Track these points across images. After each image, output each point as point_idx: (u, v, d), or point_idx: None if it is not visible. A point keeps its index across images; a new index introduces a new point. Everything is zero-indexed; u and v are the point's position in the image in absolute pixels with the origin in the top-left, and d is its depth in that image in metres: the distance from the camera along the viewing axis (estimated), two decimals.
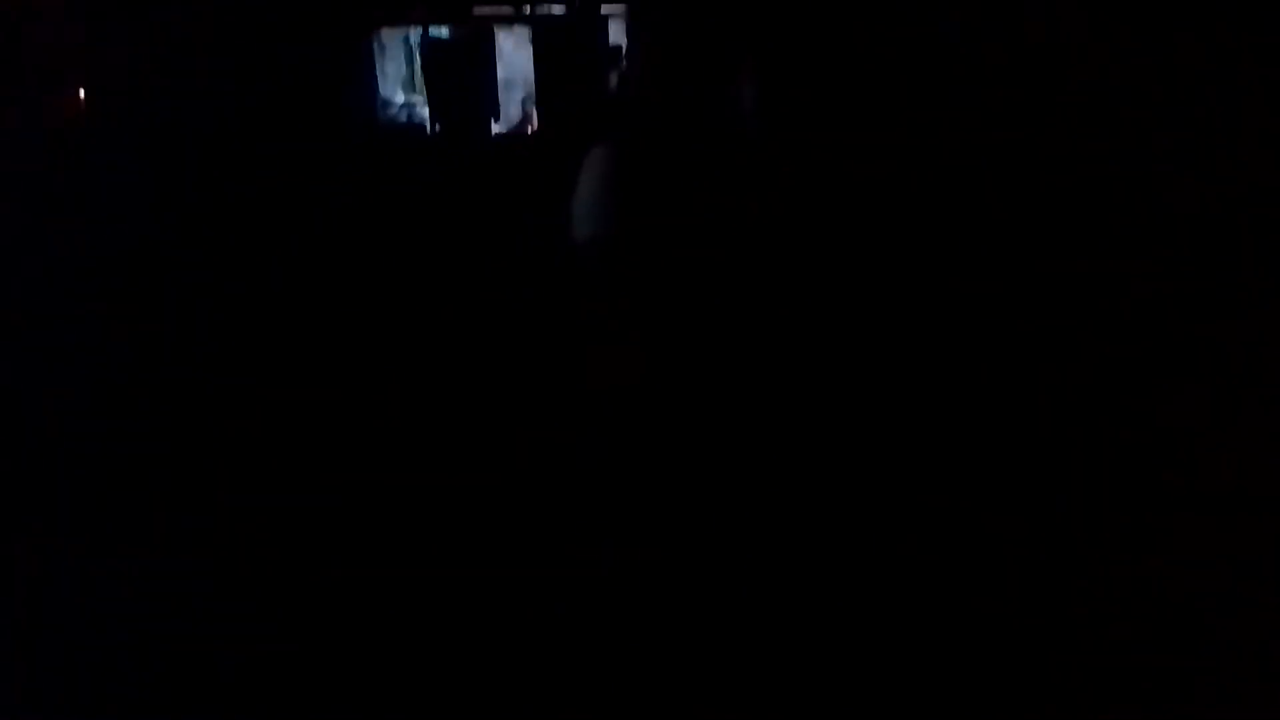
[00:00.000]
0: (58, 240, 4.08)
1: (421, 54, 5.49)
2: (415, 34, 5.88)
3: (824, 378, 2.98)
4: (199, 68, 4.60)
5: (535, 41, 5.50)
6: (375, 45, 5.66)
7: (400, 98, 5.91)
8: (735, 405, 2.95)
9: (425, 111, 5.70)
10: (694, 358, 3.04)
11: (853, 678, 2.26)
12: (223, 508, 3.08)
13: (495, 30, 5.88)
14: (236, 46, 4.76)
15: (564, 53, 5.47)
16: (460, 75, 5.71)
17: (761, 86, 3.49)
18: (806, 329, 3.02)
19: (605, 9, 5.97)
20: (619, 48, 5.55)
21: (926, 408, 2.90)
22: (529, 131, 5.67)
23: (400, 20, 5.79)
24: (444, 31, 5.77)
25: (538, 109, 5.69)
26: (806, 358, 3.00)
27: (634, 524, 2.80)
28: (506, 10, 5.74)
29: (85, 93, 4.64)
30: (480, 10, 5.87)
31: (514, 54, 5.95)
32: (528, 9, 5.93)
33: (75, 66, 4.60)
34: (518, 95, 5.79)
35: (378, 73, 5.67)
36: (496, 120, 5.89)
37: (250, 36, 4.83)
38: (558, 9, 5.76)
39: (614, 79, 5.54)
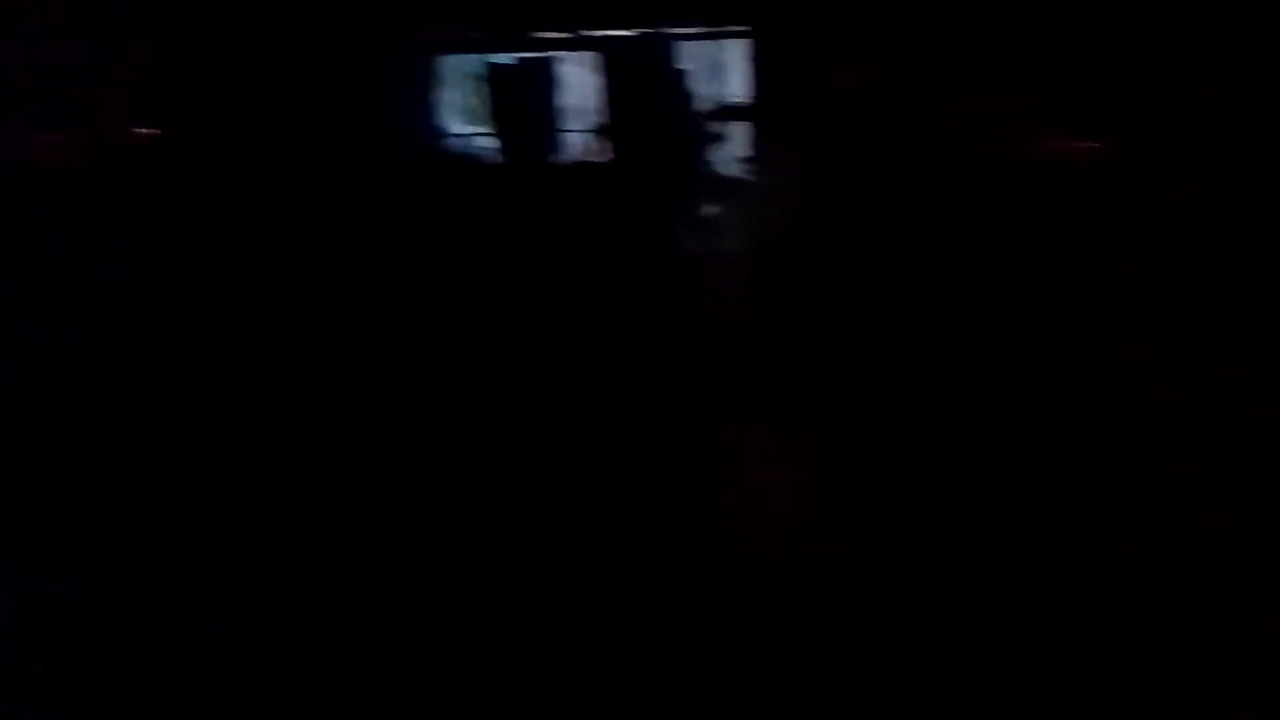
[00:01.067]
0: (138, 267, 4.00)
1: (482, 82, 5.27)
2: (475, 61, 5.67)
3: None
4: (259, 96, 4.43)
5: (601, 67, 5.25)
6: (435, 73, 5.46)
7: (459, 126, 5.70)
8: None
9: (485, 140, 5.48)
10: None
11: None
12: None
13: (559, 57, 5.66)
14: (294, 71, 4.58)
15: (632, 78, 5.22)
16: (522, 102, 5.49)
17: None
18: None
19: (673, 32, 5.74)
20: (685, 72, 5.30)
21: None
22: (595, 160, 5.42)
23: (460, 48, 5.59)
24: (505, 59, 5.56)
25: (604, 136, 5.45)
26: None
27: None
28: (570, 36, 5.51)
29: (158, 120, 4.53)
30: (542, 35, 5.66)
31: (578, 80, 5.72)
32: (593, 34, 5.70)
33: (144, 94, 4.48)
34: (582, 122, 5.56)
35: (437, 101, 5.46)
36: (560, 149, 5.66)
37: (308, 62, 4.65)
38: (624, 33, 5.52)
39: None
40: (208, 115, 4.45)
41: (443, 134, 5.30)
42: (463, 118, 5.42)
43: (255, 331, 4.02)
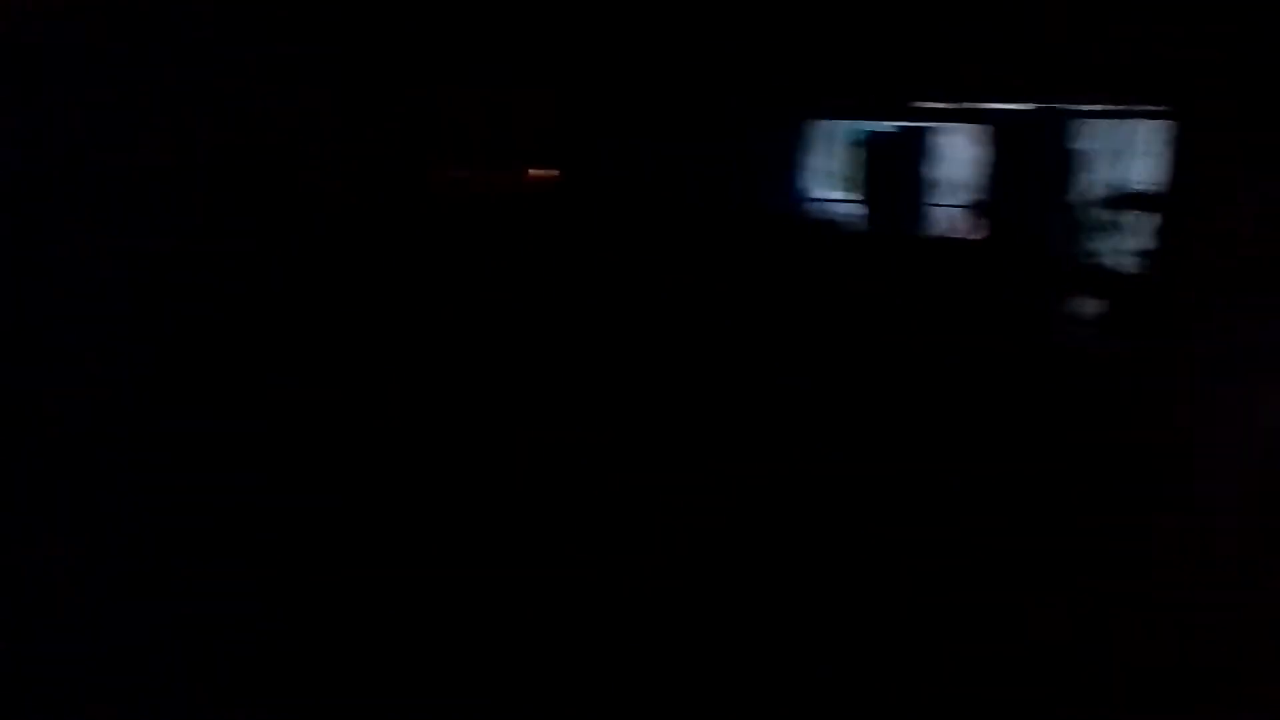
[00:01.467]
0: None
1: (856, 149, 5.16)
2: (845, 129, 5.59)
3: None
4: (648, 152, 4.65)
5: (988, 141, 4.95)
6: (810, 138, 5.44)
7: (825, 193, 5.64)
8: None
9: (851, 209, 5.35)
10: None
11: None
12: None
13: (942, 128, 5.42)
14: (682, 128, 4.76)
15: (1021, 155, 4.86)
16: (898, 172, 5.31)
17: None
18: None
19: (1073, 108, 5.30)
20: (1082, 153, 4.84)
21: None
22: (970, 238, 5.11)
23: (834, 114, 5.53)
24: (881, 127, 5.42)
25: (982, 214, 5.13)
26: None
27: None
28: (956, 106, 5.26)
29: (559, 163, 4.96)
30: (923, 105, 5.45)
31: (960, 153, 5.44)
32: (983, 106, 5.40)
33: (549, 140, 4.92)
34: (959, 198, 5.27)
35: (803, 168, 5.44)
36: (931, 222, 5.41)
37: (692, 119, 4.80)
38: (1018, 107, 5.17)
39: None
40: (603, 162, 4.73)
41: (812, 199, 5.26)
42: (833, 184, 5.35)
43: (616, 363, 4.15)
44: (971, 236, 4.89)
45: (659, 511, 3.14)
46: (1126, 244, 4.64)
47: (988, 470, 3.58)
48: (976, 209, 4.91)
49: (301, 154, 5.13)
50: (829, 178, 5.40)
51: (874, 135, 5.19)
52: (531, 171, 5.21)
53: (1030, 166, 4.67)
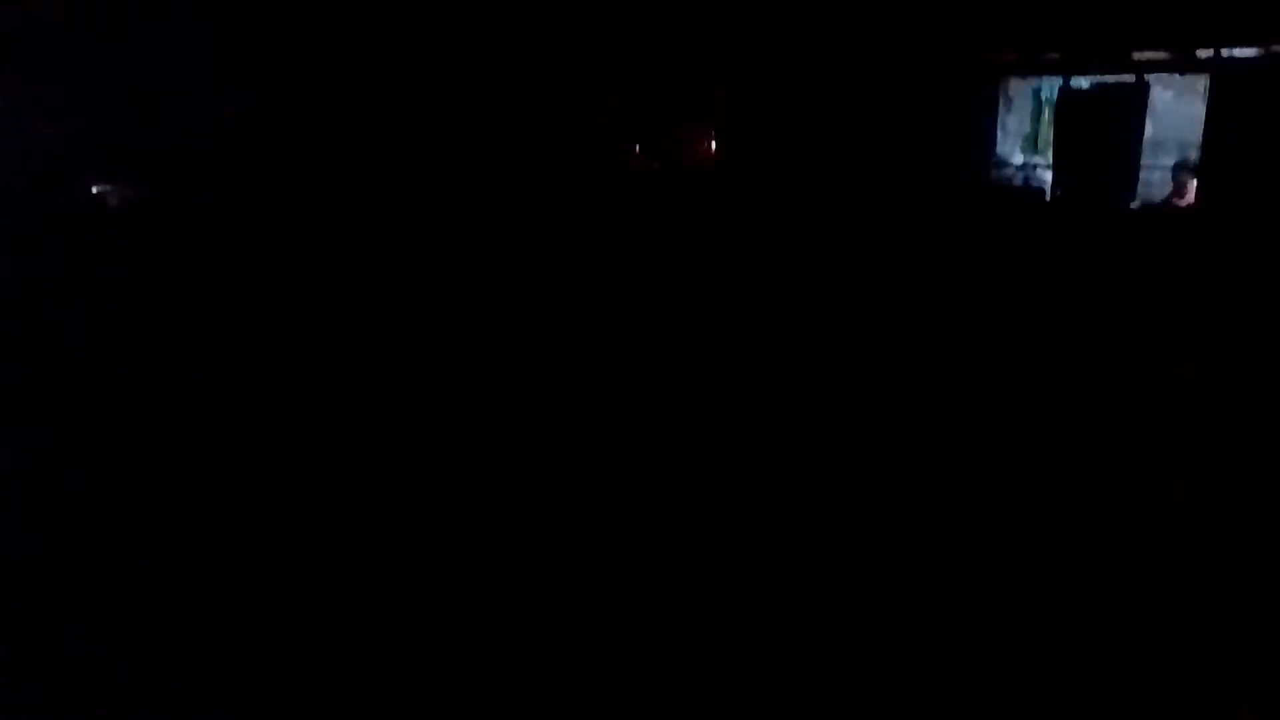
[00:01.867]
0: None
1: (1055, 108, 4.69)
2: (1046, 86, 5.09)
3: None
4: (826, 118, 4.45)
5: (1210, 95, 4.36)
6: (998, 98, 4.98)
7: (1019, 158, 5.17)
8: None
9: (1047, 175, 4.89)
10: None
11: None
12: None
13: (1152, 81, 4.85)
14: (862, 97, 4.47)
15: (1249, 108, 4.26)
16: (1095, 132, 4.80)
17: None
18: None
19: None
20: None
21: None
22: (1180, 206, 4.56)
23: (1036, 69, 5.02)
24: (1081, 82, 4.90)
25: (1195, 177, 4.57)
26: None
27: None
28: (1175, 56, 4.65)
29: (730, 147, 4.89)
30: (1141, 56, 4.85)
31: (1172, 109, 4.85)
32: (1199, 54, 4.77)
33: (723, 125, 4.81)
34: (1169, 160, 4.72)
35: (997, 129, 4.99)
36: (1134, 189, 4.86)
37: (877, 86, 4.49)
38: (1245, 53, 4.52)
39: None
40: (774, 137, 4.54)
41: (998, 163, 4.84)
42: (1021, 146, 4.90)
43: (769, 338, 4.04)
44: (1182, 203, 4.39)
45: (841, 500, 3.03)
46: None
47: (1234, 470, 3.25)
48: (1188, 171, 4.39)
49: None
50: (1019, 140, 4.97)
51: (1068, 92, 4.73)
52: (710, 144, 5.10)
53: (1262, 121, 4.10)
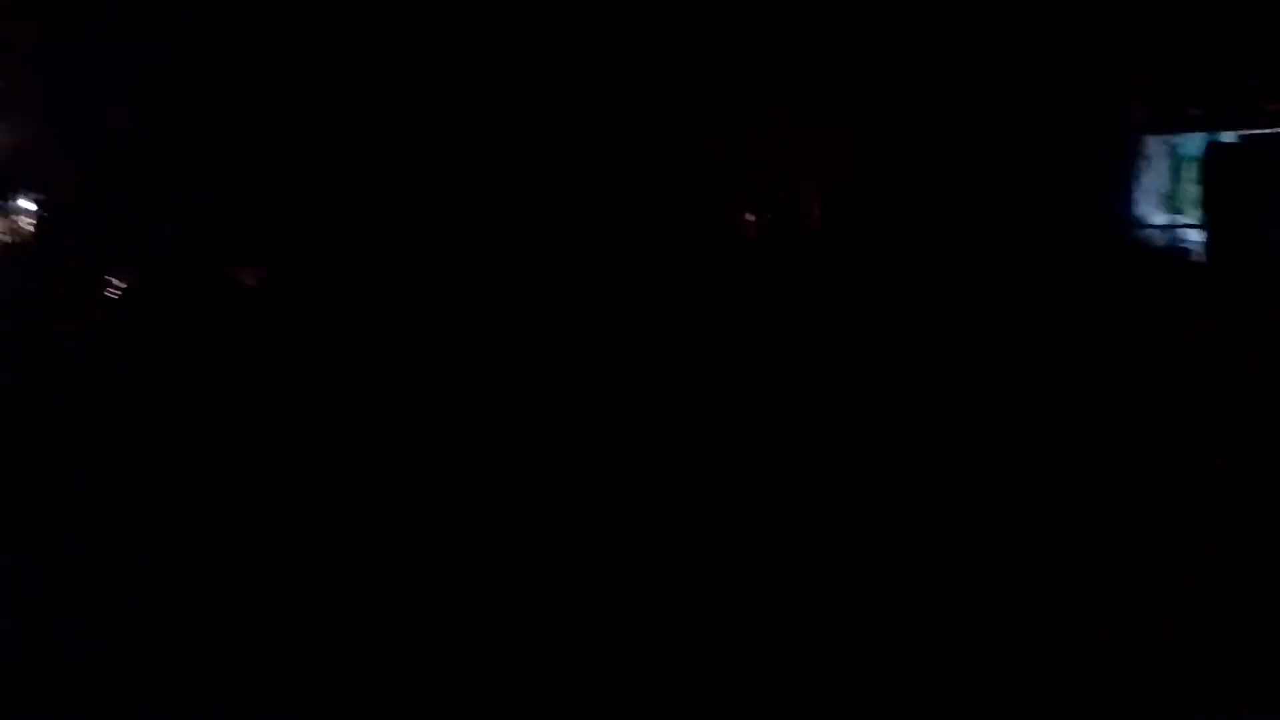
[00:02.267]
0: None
1: (1200, 164, 4.42)
2: (1186, 142, 4.83)
3: None
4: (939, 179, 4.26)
5: None
6: (1140, 155, 4.70)
7: (1159, 218, 4.86)
8: None
9: (1190, 235, 4.60)
10: None
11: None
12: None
13: None
14: (993, 155, 4.27)
15: None
16: (1246, 189, 4.51)
17: None
18: None
19: None
20: None
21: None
22: None
23: (1173, 126, 4.75)
24: (1229, 136, 4.64)
25: None
26: None
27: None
28: None
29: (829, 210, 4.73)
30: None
31: None
32: None
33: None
34: None
35: (1138, 187, 4.71)
36: None
37: (1006, 142, 4.28)
38: None
39: None
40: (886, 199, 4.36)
41: (1139, 224, 4.56)
42: (1165, 206, 4.62)
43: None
44: None
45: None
46: None
47: None
48: None
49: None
50: (1163, 199, 4.69)
51: (1216, 146, 4.47)
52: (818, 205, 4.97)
53: None
